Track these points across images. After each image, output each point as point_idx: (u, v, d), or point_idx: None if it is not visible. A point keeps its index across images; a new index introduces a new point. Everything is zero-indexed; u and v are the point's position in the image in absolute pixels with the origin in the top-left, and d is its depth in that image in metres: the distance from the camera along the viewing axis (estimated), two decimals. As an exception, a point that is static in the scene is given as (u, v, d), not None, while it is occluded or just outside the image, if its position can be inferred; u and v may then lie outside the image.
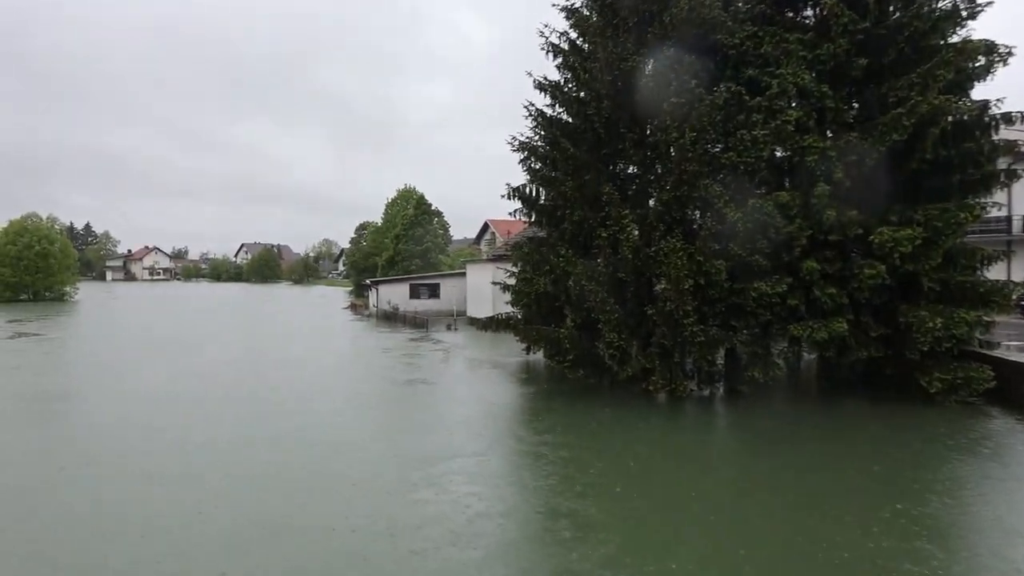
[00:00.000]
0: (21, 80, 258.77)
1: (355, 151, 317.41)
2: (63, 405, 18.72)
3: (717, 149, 18.80)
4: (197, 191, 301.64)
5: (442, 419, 16.91)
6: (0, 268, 72.47)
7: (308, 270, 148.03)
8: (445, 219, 71.73)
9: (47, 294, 76.08)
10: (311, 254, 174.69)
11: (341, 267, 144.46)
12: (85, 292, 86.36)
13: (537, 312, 21.76)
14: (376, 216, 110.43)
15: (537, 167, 21.34)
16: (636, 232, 18.61)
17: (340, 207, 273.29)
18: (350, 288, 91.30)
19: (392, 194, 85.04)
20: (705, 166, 18.07)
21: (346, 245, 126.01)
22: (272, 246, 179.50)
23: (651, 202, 19.77)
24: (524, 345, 22.81)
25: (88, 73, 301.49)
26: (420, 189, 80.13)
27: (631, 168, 20.73)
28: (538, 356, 24.13)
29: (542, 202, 21.41)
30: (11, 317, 50.44)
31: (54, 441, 14.95)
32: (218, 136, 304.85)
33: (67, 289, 77.99)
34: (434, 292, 52.33)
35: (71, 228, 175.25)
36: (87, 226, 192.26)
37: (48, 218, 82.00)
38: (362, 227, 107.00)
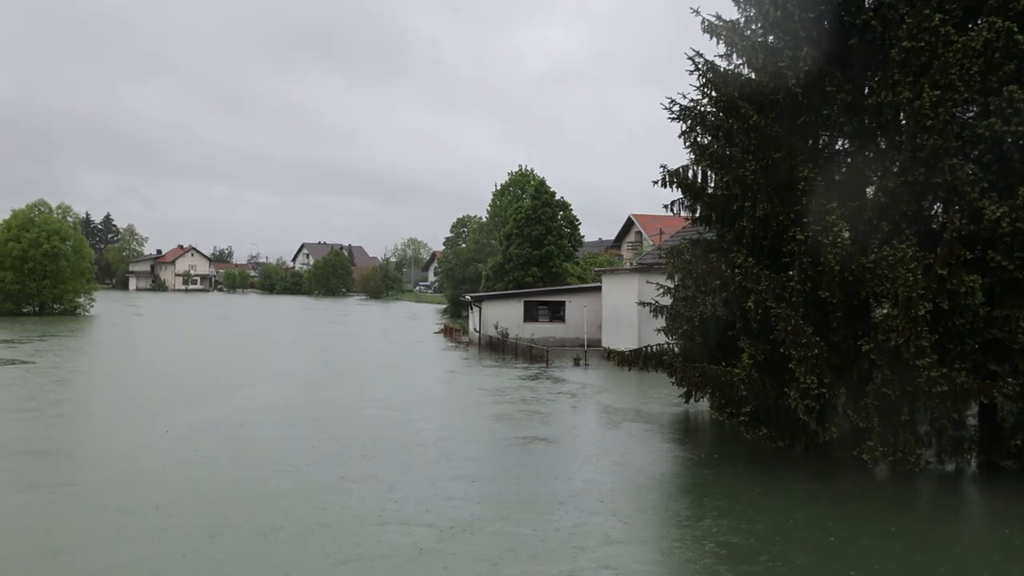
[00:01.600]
0: (20, 30, 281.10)
1: (453, 120, 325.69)
2: (34, 466, 19.51)
3: (971, 114, 18.41)
4: (245, 174, 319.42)
5: (573, 493, 17.32)
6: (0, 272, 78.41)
7: (388, 280, 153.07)
8: (573, 213, 72.42)
9: (55, 306, 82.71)
10: (392, 259, 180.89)
11: (432, 277, 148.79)
12: (102, 304, 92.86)
13: (702, 344, 21.83)
14: (480, 209, 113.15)
15: (705, 142, 21.54)
16: (847, 233, 18.46)
17: (431, 196, 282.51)
18: (444, 305, 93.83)
19: (502, 179, 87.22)
20: (953, 139, 17.68)
21: (439, 247, 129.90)
22: (341, 248, 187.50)
23: (870, 191, 19.47)
24: (682, 390, 22.87)
25: (103, 20, 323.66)
26: (540, 172, 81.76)
27: (841, 143, 20.58)
28: (702, 406, 24.09)
29: (711, 191, 21.58)
30: (1, 337, 54.06)
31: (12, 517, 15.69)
32: (271, 101, 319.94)
33: (80, 300, 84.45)
34: (557, 313, 53.14)
35: (87, 221, 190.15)
36: (107, 218, 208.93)
37: (59, 208, 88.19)
38: (461, 223, 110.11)
